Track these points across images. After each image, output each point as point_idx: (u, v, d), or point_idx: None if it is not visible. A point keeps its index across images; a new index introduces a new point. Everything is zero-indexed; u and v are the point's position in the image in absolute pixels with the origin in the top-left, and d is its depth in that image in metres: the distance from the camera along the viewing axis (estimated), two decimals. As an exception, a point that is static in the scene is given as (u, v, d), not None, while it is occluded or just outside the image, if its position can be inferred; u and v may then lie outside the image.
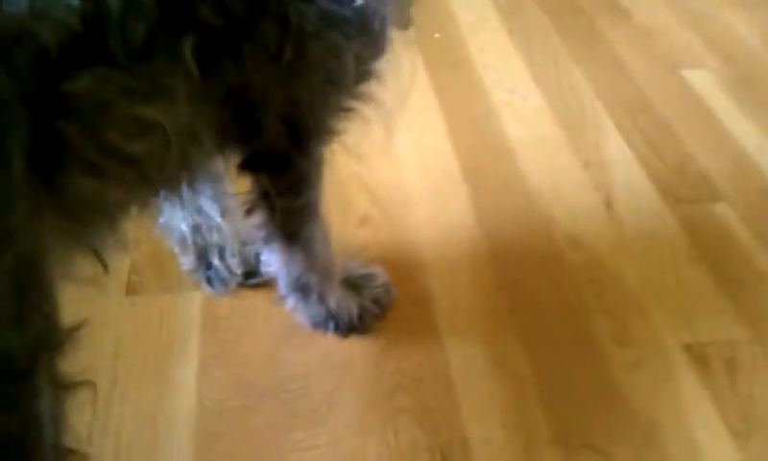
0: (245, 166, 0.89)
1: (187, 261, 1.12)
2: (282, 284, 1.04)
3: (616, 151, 1.39)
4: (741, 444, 0.92)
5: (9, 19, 0.54)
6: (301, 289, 1.02)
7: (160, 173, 0.70)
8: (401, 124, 1.41)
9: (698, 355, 1.02)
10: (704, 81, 1.57)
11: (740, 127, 1.44)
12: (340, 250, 1.06)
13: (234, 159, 0.89)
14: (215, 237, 1.10)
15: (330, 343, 1.04)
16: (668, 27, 1.78)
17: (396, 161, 1.36)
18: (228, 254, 1.09)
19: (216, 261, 1.10)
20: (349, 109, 0.86)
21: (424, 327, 1.07)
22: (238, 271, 1.10)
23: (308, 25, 0.70)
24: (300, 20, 0.70)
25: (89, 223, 0.69)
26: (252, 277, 1.11)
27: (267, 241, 0.98)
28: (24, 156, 0.55)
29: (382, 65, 0.85)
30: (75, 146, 0.59)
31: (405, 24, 0.85)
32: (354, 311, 1.04)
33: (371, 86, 0.86)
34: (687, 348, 1.03)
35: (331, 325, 1.04)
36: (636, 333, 1.05)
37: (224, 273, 1.10)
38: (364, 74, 0.83)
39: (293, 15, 0.70)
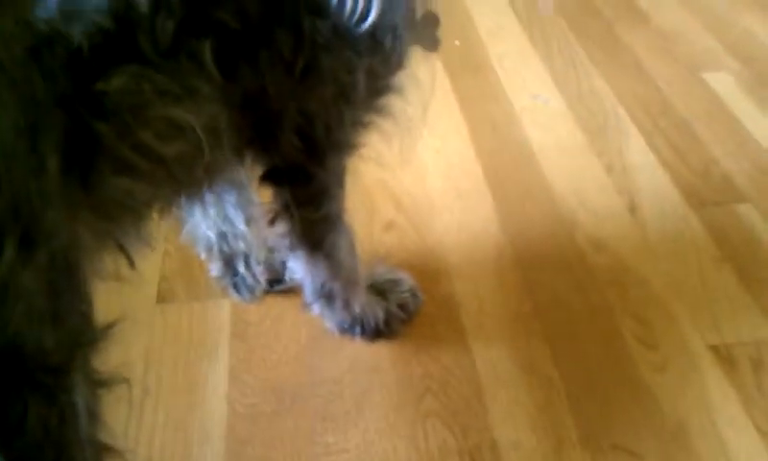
0: (266, 178, 0.91)
1: (215, 268, 1.13)
2: (307, 292, 1.05)
3: (639, 155, 1.40)
4: (770, 442, 0.92)
5: (40, 22, 0.56)
6: (326, 296, 1.03)
7: (188, 174, 0.72)
8: (424, 131, 1.43)
9: (724, 356, 1.03)
10: (725, 83, 1.58)
11: (762, 129, 1.45)
12: (366, 256, 1.08)
13: (256, 171, 0.91)
14: (241, 245, 1.11)
15: (358, 348, 1.06)
16: (687, 30, 1.78)
17: (420, 168, 1.37)
18: (253, 262, 1.11)
19: (242, 269, 1.11)
20: (367, 123, 0.87)
21: (451, 332, 1.08)
22: (263, 278, 1.11)
23: (320, 38, 0.72)
24: (312, 32, 0.71)
25: (118, 220, 0.70)
26: (277, 284, 1.12)
27: (291, 249, 0.99)
28: (59, 155, 0.57)
29: (400, 80, 0.85)
30: (108, 145, 0.61)
31: (432, 45, 0.85)
32: (381, 316, 1.05)
33: (388, 101, 0.86)
34: (713, 348, 1.04)
35: (358, 329, 1.05)
36: (661, 334, 1.06)
37: (250, 280, 1.11)
38: (379, 89, 0.84)
39: (306, 26, 0.71)
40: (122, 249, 0.72)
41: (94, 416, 0.65)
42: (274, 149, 0.82)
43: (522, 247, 1.21)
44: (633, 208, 1.28)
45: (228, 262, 1.12)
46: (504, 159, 1.40)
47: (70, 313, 0.61)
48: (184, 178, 0.73)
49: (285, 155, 0.83)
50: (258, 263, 1.11)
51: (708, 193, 1.31)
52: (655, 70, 1.63)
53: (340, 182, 0.92)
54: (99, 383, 0.65)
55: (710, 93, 1.55)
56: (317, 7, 0.71)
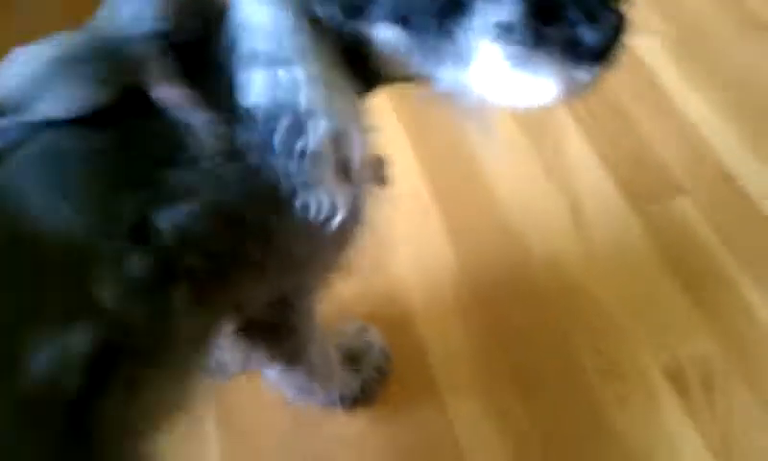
0: (238, 331, 0.93)
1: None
2: (286, 391, 1.09)
3: (578, 152, 1.43)
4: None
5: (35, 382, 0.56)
6: (305, 392, 1.08)
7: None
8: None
9: (677, 378, 1.11)
10: (652, 50, 1.59)
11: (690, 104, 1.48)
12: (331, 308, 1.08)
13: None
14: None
15: (341, 419, 1.11)
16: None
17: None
18: (228, 348, 1.14)
19: (218, 353, 1.14)
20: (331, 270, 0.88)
21: (424, 387, 1.13)
22: (239, 364, 1.15)
23: (292, 244, 0.73)
24: (281, 239, 0.72)
25: None
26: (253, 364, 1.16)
27: (266, 362, 1.02)
28: None
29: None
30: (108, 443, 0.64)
31: (382, 184, 0.85)
32: (357, 386, 1.11)
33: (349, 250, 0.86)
34: (666, 369, 1.12)
35: (338, 403, 1.10)
36: (620, 364, 1.14)
37: (226, 363, 1.15)
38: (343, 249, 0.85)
39: (275, 235, 0.71)
40: None
41: None
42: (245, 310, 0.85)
43: (479, 279, 1.25)
44: (576, 211, 1.32)
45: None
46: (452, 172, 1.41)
47: None
48: None
49: (255, 312, 0.85)
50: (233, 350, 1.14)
51: (643, 187, 1.35)
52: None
53: (310, 314, 0.94)
54: None
55: (640, 65, 1.56)
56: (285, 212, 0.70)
